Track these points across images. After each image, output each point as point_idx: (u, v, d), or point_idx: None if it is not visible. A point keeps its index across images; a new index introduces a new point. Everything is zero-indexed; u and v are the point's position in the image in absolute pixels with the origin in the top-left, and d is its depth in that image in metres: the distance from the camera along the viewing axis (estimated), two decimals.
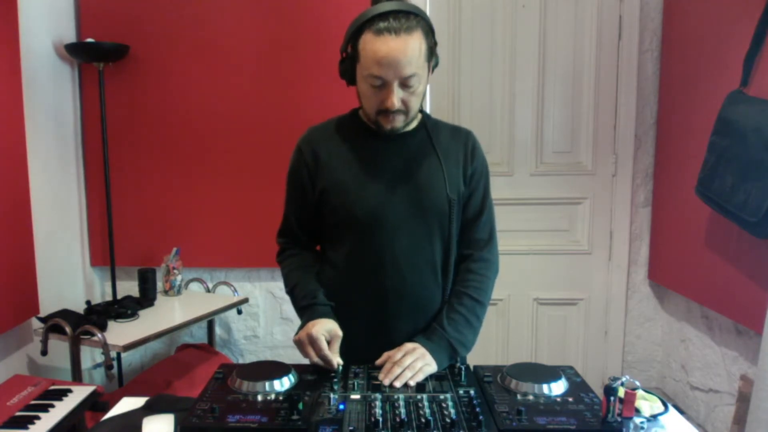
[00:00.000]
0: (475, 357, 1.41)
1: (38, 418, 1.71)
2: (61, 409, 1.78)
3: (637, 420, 1.09)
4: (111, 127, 2.71)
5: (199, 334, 2.95)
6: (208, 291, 2.85)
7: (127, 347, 2.08)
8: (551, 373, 1.20)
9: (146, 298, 2.58)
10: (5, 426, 1.66)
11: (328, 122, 1.47)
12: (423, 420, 1.03)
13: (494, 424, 1.02)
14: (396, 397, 1.13)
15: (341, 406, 1.08)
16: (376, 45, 1.22)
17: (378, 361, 1.29)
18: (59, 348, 2.40)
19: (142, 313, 2.42)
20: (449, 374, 1.25)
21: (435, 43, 1.31)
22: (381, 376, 1.21)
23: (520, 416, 1.04)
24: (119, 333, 2.17)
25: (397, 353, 1.28)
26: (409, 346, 1.30)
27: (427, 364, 1.25)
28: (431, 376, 1.24)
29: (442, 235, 1.38)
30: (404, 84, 1.26)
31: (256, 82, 2.73)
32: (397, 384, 1.19)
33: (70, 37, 2.69)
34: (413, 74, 1.24)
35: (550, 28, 2.73)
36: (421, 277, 1.38)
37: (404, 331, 1.37)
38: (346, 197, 1.36)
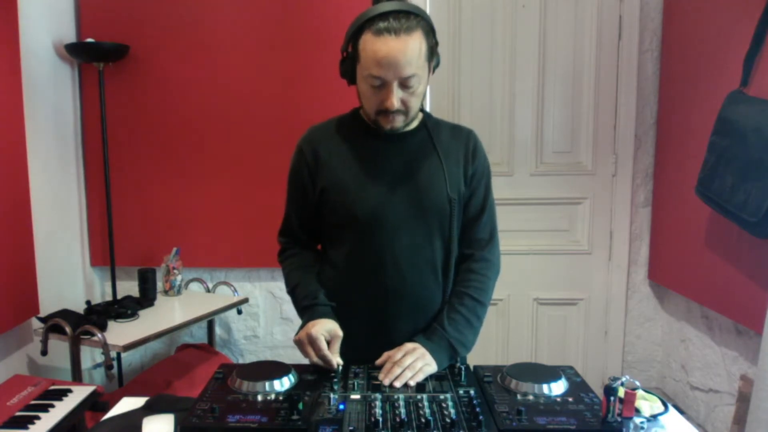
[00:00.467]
0: (475, 357, 1.41)
1: (38, 418, 1.71)
2: (61, 409, 1.78)
3: (637, 420, 1.09)
4: (111, 127, 2.71)
5: (199, 334, 2.95)
6: (208, 291, 2.85)
7: (127, 347, 2.08)
8: (551, 373, 1.20)
9: (146, 298, 2.58)
10: (5, 426, 1.66)
11: (329, 122, 1.47)
12: (423, 420, 1.03)
13: (494, 424, 1.02)
14: (396, 397, 1.13)
15: (341, 406, 1.08)
16: (376, 45, 1.22)
17: (378, 361, 1.29)
18: (59, 348, 2.40)
19: (142, 313, 2.42)
20: (449, 374, 1.25)
21: (436, 43, 1.31)
22: (381, 376, 1.21)
23: (520, 416, 1.04)
24: (119, 333, 2.17)
25: (397, 353, 1.28)
26: (409, 346, 1.30)
27: (427, 364, 1.25)
28: (431, 376, 1.24)
29: (443, 234, 1.38)
30: (404, 84, 1.26)
31: (256, 81, 2.73)
32: (397, 384, 1.19)
33: (70, 37, 2.69)
34: (413, 75, 1.24)
35: (550, 28, 2.73)
36: (421, 277, 1.37)
37: (404, 331, 1.37)
38: (346, 197, 1.36)
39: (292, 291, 1.44)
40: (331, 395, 1.12)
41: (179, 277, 2.72)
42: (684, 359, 2.61)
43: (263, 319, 2.94)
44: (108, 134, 2.68)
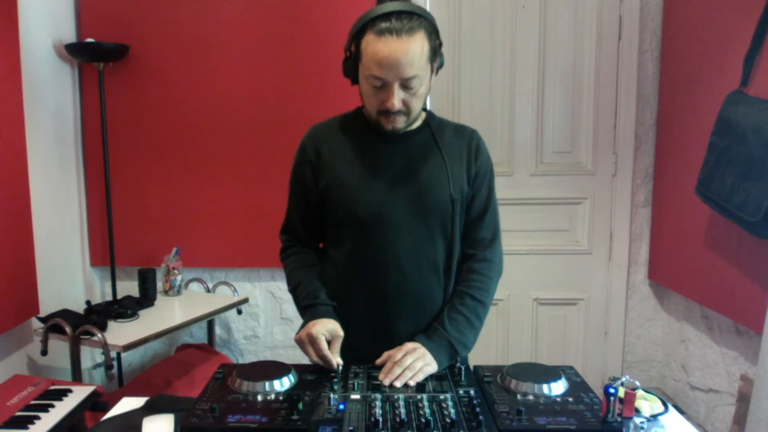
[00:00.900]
0: (475, 357, 1.41)
1: (38, 418, 1.71)
2: (61, 409, 1.78)
3: (637, 420, 1.09)
4: (111, 127, 2.71)
5: (199, 334, 2.95)
6: (208, 291, 2.85)
7: (127, 347, 2.08)
8: (551, 373, 1.20)
9: (146, 298, 2.58)
10: (5, 426, 1.66)
11: (332, 120, 1.46)
12: (423, 420, 1.03)
13: (494, 424, 1.02)
14: (396, 397, 1.13)
15: (341, 406, 1.08)
16: (378, 46, 1.21)
17: (378, 361, 1.29)
18: (59, 348, 2.40)
19: (142, 313, 2.42)
20: (449, 374, 1.25)
21: (440, 45, 1.30)
22: (381, 376, 1.21)
23: (520, 416, 1.04)
24: (119, 333, 2.17)
25: (397, 353, 1.27)
26: (409, 345, 1.30)
27: (427, 364, 1.25)
28: (431, 376, 1.24)
29: (445, 234, 1.38)
30: (405, 85, 1.25)
31: (257, 81, 2.73)
32: (397, 384, 1.19)
33: (70, 37, 2.69)
34: (414, 76, 1.24)
35: (550, 28, 2.73)
36: (422, 277, 1.37)
37: (405, 330, 1.37)
38: (348, 195, 1.36)
39: (293, 290, 1.44)
40: (331, 395, 1.12)
41: (179, 277, 2.72)
42: (684, 359, 2.61)
43: (263, 319, 2.94)
44: (108, 134, 2.69)
